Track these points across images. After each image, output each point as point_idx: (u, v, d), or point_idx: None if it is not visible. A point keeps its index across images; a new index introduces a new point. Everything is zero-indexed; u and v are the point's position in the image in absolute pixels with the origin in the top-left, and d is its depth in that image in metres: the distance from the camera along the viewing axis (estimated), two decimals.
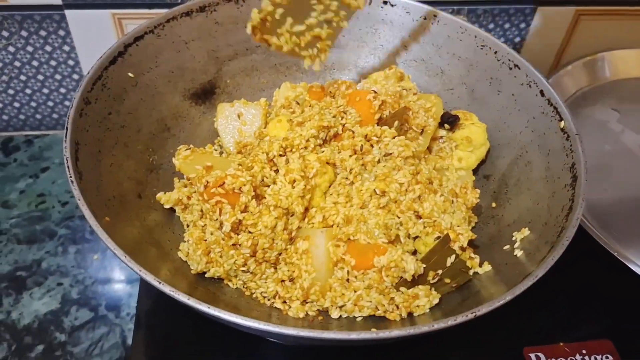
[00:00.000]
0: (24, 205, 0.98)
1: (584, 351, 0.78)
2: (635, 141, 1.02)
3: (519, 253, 0.68)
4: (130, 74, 0.79)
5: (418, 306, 0.64)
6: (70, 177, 0.60)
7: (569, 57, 1.16)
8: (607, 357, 0.77)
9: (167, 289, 0.52)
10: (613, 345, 0.78)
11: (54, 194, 1.00)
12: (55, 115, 1.12)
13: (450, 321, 0.52)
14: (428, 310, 0.65)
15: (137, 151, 0.78)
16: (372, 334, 0.50)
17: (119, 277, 0.89)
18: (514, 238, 0.72)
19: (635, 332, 0.83)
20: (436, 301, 0.66)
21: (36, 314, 0.83)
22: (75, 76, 1.06)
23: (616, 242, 0.83)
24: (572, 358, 0.77)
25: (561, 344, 0.79)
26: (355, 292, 0.65)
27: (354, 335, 0.49)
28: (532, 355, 0.77)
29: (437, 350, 0.78)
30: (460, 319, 0.52)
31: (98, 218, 0.58)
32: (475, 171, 0.87)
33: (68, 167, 0.61)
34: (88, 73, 0.72)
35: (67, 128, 0.65)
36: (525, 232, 0.72)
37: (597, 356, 0.77)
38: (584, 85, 1.09)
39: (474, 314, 0.53)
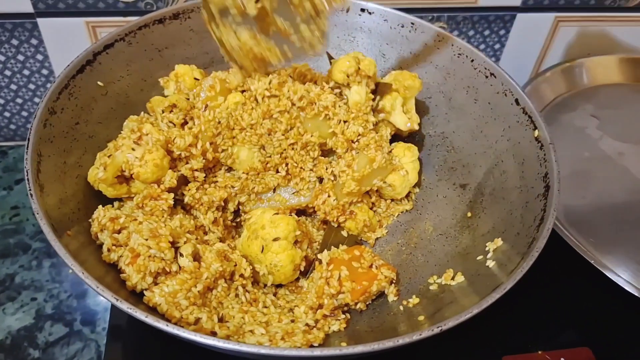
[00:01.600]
0: None
1: (562, 359, 0.77)
2: (614, 148, 1.02)
3: (491, 264, 0.67)
4: (99, 83, 0.78)
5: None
6: (30, 190, 0.59)
7: (549, 64, 1.16)
8: None
9: (124, 306, 0.51)
10: (592, 353, 0.78)
11: (28, 207, 0.98)
12: (29, 126, 1.09)
13: (415, 336, 0.51)
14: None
15: None
16: (336, 350, 0.49)
17: (94, 292, 0.87)
18: (487, 248, 0.71)
19: (614, 340, 0.82)
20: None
21: (9, 329, 0.82)
22: (50, 85, 1.04)
23: (594, 250, 0.83)
24: None
25: (540, 352, 0.78)
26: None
27: (317, 352, 0.48)
28: None
29: None
30: (426, 333, 0.51)
31: (57, 232, 0.56)
32: (452, 181, 0.86)
33: (28, 179, 0.60)
34: (54, 82, 0.71)
35: (28, 139, 0.64)
36: (499, 242, 0.71)
37: None
38: (562, 91, 1.09)
39: (439, 328, 0.52)
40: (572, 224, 0.87)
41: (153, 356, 0.76)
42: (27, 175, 0.60)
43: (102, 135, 0.77)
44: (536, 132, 0.75)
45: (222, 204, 0.76)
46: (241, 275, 0.66)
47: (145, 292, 0.60)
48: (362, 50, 0.96)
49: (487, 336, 0.80)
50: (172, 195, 0.70)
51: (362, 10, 0.93)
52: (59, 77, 0.72)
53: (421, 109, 0.93)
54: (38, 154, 0.64)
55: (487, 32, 1.13)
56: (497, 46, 1.16)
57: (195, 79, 0.84)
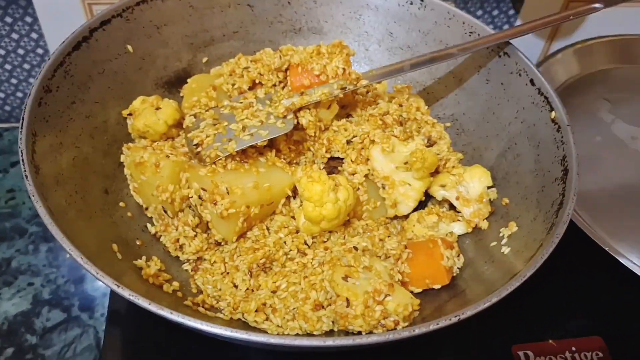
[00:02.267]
0: None
1: (573, 348, 0.76)
2: (627, 132, 0.99)
3: (506, 250, 0.65)
4: (129, 47, 0.76)
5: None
6: (25, 171, 0.56)
7: (558, 46, 1.13)
8: (597, 354, 0.75)
9: (126, 293, 0.48)
10: (603, 342, 0.77)
11: (24, 190, 0.95)
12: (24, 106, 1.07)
13: (433, 325, 0.49)
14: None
15: (104, 143, 0.74)
16: (349, 339, 0.47)
17: (92, 277, 0.85)
18: (501, 234, 0.69)
19: (626, 329, 0.81)
20: None
21: (6, 315, 0.80)
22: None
23: (607, 236, 0.81)
24: (562, 355, 0.75)
25: (550, 341, 0.77)
26: None
27: (329, 342, 0.46)
28: (521, 353, 0.75)
29: (425, 349, 0.75)
30: (443, 322, 0.49)
31: (54, 216, 0.54)
32: (462, 164, 0.83)
33: (22, 160, 0.57)
34: (48, 59, 0.68)
35: (23, 118, 0.61)
36: (513, 227, 0.69)
37: (587, 353, 0.75)
38: (574, 73, 1.06)
39: (457, 317, 0.50)
40: (583, 209, 0.85)
41: (153, 342, 0.74)
42: (22, 155, 0.57)
43: (100, 116, 0.75)
44: (553, 114, 0.72)
45: None
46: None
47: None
48: (368, 29, 0.93)
49: (497, 325, 0.78)
50: None
51: None
52: (53, 53, 0.68)
53: (430, 90, 0.90)
54: (33, 133, 0.61)
55: (495, 12, 1.09)
56: (505, 27, 1.12)
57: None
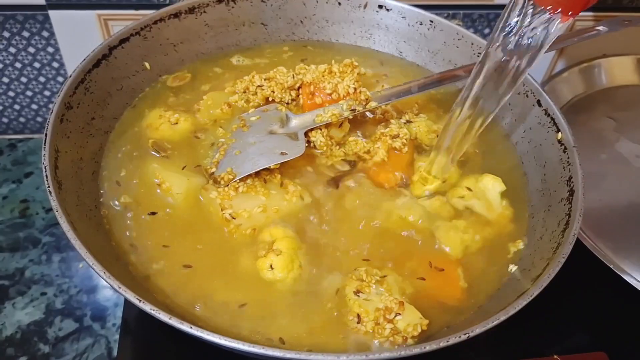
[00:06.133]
0: (6, 212, 0.95)
1: None
2: (632, 150, 1.01)
3: (513, 268, 0.66)
4: (146, 64, 0.78)
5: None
6: (49, 186, 0.58)
7: (563, 65, 1.15)
8: None
9: (147, 307, 0.50)
10: (608, 358, 0.77)
11: (38, 200, 0.98)
12: (39, 119, 1.09)
13: (443, 342, 0.50)
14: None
15: None
16: (362, 355, 0.48)
17: (104, 286, 0.86)
18: (507, 252, 0.70)
19: (630, 345, 0.82)
20: None
21: (19, 324, 0.81)
22: (60, 78, 1.03)
23: (611, 253, 0.82)
24: None
25: (555, 356, 0.77)
26: None
27: (343, 358, 0.47)
28: None
29: None
30: (453, 340, 0.50)
31: (77, 231, 0.55)
32: None
33: (46, 175, 0.58)
34: (70, 76, 0.70)
35: (46, 134, 0.62)
36: (520, 244, 0.70)
37: None
38: (580, 92, 1.08)
39: (467, 335, 0.51)
40: (587, 227, 0.86)
41: (166, 353, 0.76)
42: (46, 171, 0.59)
43: (118, 131, 0.76)
44: (559, 135, 0.74)
45: None
46: None
47: None
48: (378, 47, 0.95)
49: (502, 340, 0.79)
50: None
51: (380, 6, 0.92)
52: (75, 71, 0.70)
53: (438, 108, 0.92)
54: (56, 149, 0.63)
55: None
56: None
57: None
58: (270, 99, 0.80)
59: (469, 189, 0.74)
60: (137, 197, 0.70)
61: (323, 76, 0.77)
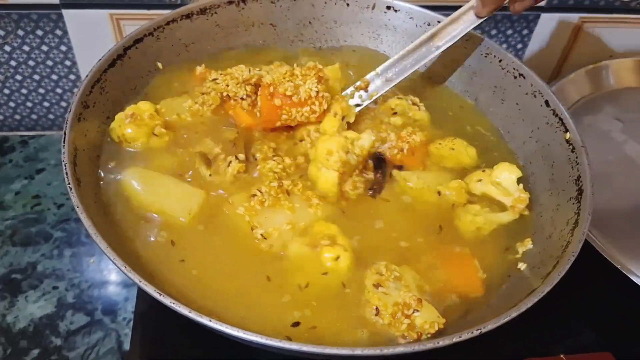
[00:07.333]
0: (19, 207, 0.97)
1: None
2: (638, 152, 1.01)
3: (522, 266, 0.67)
4: (158, 64, 0.79)
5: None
6: (69, 184, 0.59)
7: (571, 65, 1.16)
8: None
9: (168, 301, 0.51)
10: (614, 358, 0.78)
11: (50, 196, 0.99)
12: (51, 116, 1.10)
13: (456, 338, 0.51)
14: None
15: None
16: (377, 350, 0.49)
17: (115, 281, 0.88)
18: (516, 249, 0.71)
19: (637, 345, 0.83)
20: None
21: (31, 317, 0.82)
22: (72, 77, 1.05)
23: (618, 254, 0.82)
24: None
25: (562, 356, 0.78)
26: None
27: (358, 352, 0.49)
28: None
29: None
30: (466, 335, 0.51)
31: (97, 226, 0.56)
32: None
33: (66, 173, 0.60)
34: (87, 76, 0.71)
35: (65, 133, 0.64)
36: (528, 243, 0.71)
37: None
38: (586, 93, 1.09)
39: (479, 331, 0.52)
40: (595, 227, 0.86)
41: (179, 345, 0.76)
42: (65, 169, 0.60)
43: None
44: (567, 135, 0.75)
45: None
46: None
47: None
48: (386, 48, 0.96)
49: (508, 339, 0.79)
50: None
51: (388, 7, 0.93)
52: (91, 70, 0.72)
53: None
54: (74, 147, 0.64)
55: (509, 32, 1.12)
56: (519, 46, 1.15)
57: None
58: (224, 95, 0.78)
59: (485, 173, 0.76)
60: None
61: (284, 78, 0.75)
